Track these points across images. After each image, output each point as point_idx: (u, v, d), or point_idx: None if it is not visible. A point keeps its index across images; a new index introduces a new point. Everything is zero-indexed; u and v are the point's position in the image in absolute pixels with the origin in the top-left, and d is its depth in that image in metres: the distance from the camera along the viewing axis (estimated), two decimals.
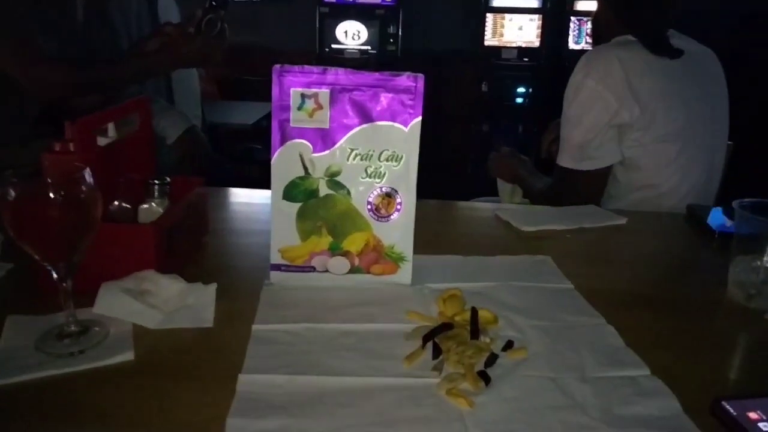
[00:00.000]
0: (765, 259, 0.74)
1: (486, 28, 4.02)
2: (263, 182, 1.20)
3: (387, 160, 0.71)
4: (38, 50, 1.25)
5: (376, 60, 3.97)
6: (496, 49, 4.02)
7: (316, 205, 0.72)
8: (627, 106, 1.16)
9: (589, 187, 1.23)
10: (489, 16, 4.00)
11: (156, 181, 0.79)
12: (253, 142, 3.34)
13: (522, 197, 1.48)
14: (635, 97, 1.16)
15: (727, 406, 0.53)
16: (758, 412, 0.52)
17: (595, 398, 0.56)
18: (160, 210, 0.78)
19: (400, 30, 4.00)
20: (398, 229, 0.74)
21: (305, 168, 0.71)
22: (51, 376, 0.55)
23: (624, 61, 1.17)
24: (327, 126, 0.70)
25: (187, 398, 0.54)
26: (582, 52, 1.33)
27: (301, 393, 0.54)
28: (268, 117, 3.30)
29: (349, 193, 0.72)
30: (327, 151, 0.71)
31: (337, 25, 4.02)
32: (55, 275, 0.57)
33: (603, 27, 1.30)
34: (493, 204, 1.37)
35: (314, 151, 0.71)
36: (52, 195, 0.54)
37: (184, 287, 0.67)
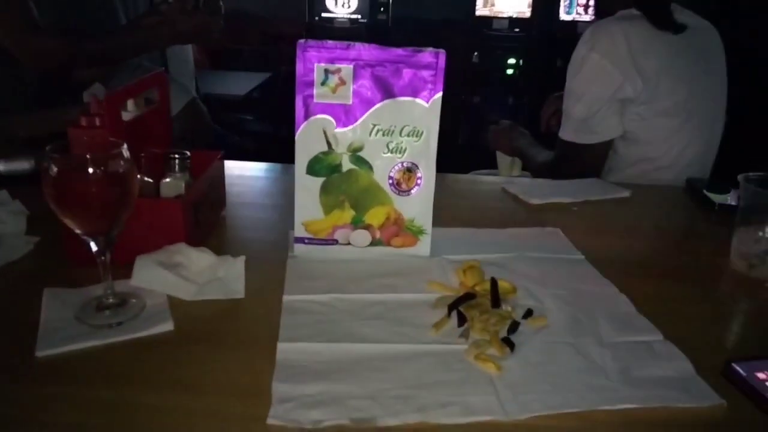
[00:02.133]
0: (767, 230, 0.78)
1: None
2: (258, 154, 1.21)
3: (408, 135, 0.73)
4: (33, 21, 1.23)
5: (366, 29, 3.92)
6: (488, 20, 3.99)
7: (339, 180, 0.74)
8: (630, 80, 1.18)
9: (590, 159, 1.26)
10: None
11: (177, 155, 0.80)
12: (245, 113, 3.31)
13: (521, 170, 1.50)
14: (639, 72, 1.17)
15: (738, 368, 0.57)
16: (766, 372, 0.56)
17: (614, 361, 0.59)
18: (182, 183, 0.79)
19: None
20: (418, 203, 0.76)
21: (328, 143, 0.73)
22: (94, 347, 0.57)
23: (628, 35, 1.18)
24: (350, 102, 0.72)
25: (227, 364, 0.56)
26: (572, 23, 1.34)
27: (337, 360, 0.57)
28: (259, 88, 3.27)
29: (371, 167, 0.74)
30: (350, 127, 0.72)
31: None
32: (94, 248, 0.58)
33: (607, 1, 1.31)
34: (499, 177, 1.39)
35: (337, 127, 0.72)
36: (91, 170, 0.55)
37: (214, 260, 0.69)
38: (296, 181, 0.74)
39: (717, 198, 1.00)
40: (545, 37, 3.69)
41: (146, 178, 0.78)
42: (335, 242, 0.76)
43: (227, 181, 0.92)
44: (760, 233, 0.78)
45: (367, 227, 0.76)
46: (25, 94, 1.37)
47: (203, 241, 0.74)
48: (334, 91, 0.71)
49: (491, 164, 1.57)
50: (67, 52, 1.28)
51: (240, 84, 3.11)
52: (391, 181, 0.75)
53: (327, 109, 0.72)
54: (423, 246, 0.78)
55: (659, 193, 1.14)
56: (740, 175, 0.80)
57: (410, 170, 0.74)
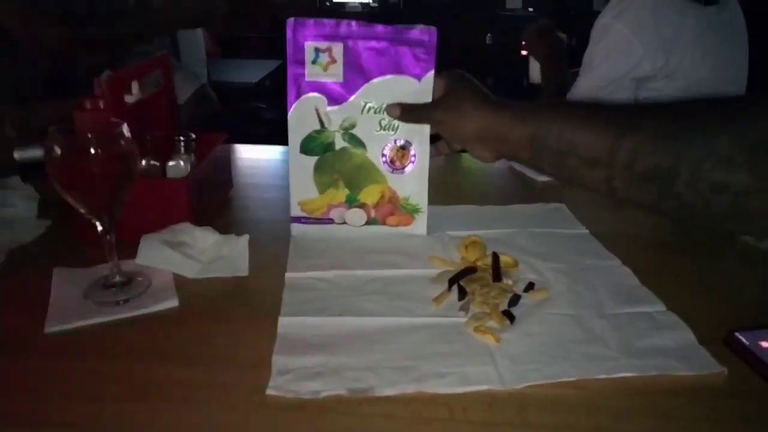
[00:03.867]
0: None
1: None
2: (270, 141, 1.22)
3: None
4: (34, 6, 1.24)
5: (379, 12, 3.90)
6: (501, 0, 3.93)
7: (333, 158, 0.74)
8: (651, 56, 1.15)
9: None
10: None
11: (182, 138, 0.81)
12: (257, 101, 3.32)
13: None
14: (663, 47, 1.15)
15: (740, 337, 0.56)
16: None
17: (614, 332, 0.59)
18: (188, 165, 0.81)
19: None
20: (413, 181, 0.76)
21: (321, 122, 0.73)
22: (104, 322, 0.59)
23: (657, 5, 1.15)
24: (341, 79, 0.71)
25: (231, 338, 0.57)
26: (587, 1, 1.31)
27: (337, 333, 0.58)
28: (271, 76, 3.28)
29: (364, 145, 0.74)
30: (342, 105, 0.72)
31: None
32: (99, 228, 0.60)
33: None
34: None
35: (329, 105, 0.72)
36: (93, 150, 0.56)
37: (218, 238, 0.70)
38: (290, 161, 0.75)
39: None
40: (559, 17, 3.65)
41: (152, 161, 0.80)
42: (331, 221, 0.77)
43: (239, 163, 0.93)
44: None
45: (362, 206, 0.76)
46: (37, 83, 1.39)
47: (210, 221, 0.76)
48: (325, 69, 0.71)
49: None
50: (69, 37, 1.29)
51: (251, 72, 3.12)
52: (384, 159, 0.75)
53: (318, 87, 0.72)
54: (419, 225, 0.78)
55: None
56: None
57: (404, 148, 0.74)
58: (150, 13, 1.40)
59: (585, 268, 0.71)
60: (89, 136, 0.56)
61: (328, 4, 3.96)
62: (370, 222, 0.77)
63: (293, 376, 0.52)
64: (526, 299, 0.64)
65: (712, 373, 0.53)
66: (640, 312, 0.62)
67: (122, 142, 0.57)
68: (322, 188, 0.76)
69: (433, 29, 0.70)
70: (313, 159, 0.74)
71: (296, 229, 0.78)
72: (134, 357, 0.55)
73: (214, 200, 0.83)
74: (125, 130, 0.57)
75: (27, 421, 0.47)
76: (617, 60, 1.17)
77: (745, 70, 1.28)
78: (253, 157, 1.13)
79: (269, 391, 0.50)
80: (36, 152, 0.97)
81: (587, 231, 0.81)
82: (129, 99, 0.76)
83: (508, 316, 0.60)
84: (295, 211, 0.77)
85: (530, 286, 0.66)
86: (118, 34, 1.36)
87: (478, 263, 0.69)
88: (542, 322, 0.60)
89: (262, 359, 0.54)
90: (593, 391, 0.51)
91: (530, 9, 3.92)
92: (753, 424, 0.49)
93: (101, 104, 0.69)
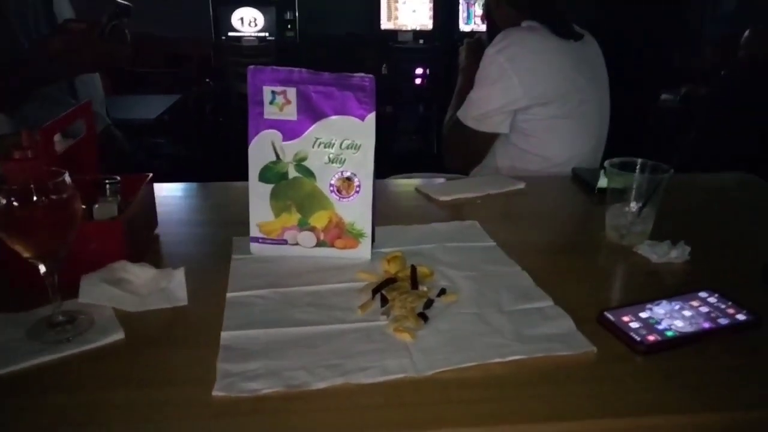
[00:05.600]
0: (631, 204, 0.93)
1: (381, 12, 4.14)
2: (174, 178, 1.25)
3: (347, 148, 0.82)
4: None
5: (275, 46, 3.97)
6: (393, 33, 4.16)
7: (286, 186, 0.83)
8: (528, 88, 1.33)
9: (475, 142, 1.44)
10: (383, 0, 4.11)
11: (107, 180, 0.85)
12: (157, 137, 3.27)
13: None
14: (538, 81, 1.33)
15: (608, 315, 0.70)
16: (629, 315, 0.70)
17: (510, 324, 0.70)
18: (114, 206, 0.84)
19: (297, 15, 4.02)
20: (357, 209, 0.85)
21: (276, 154, 0.82)
22: (49, 361, 0.62)
23: (535, 44, 1.34)
24: (295, 118, 0.81)
25: (180, 361, 0.63)
26: (472, 33, 1.50)
27: (275, 341, 0.66)
28: (170, 110, 3.24)
29: (314, 175, 0.83)
30: (295, 140, 0.82)
31: (231, 12, 3.97)
32: (42, 270, 0.63)
33: (502, 19, 1.45)
34: (412, 180, 1.51)
35: (284, 140, 0.82)
36: (36, 198, 0.60)
37: (155, 273, 0.75)
38: (250, 188, 0.83)
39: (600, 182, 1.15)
40: (448, 48, 3.92)
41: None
42: (285, 242, 0.85)
43: (159, 201, 0.97)
44: (626, 208, 0.94)
45: (312, 229, 0.85)
46: None
47: (141, 258, 0.80)
48: (281, 109, 0.81)
49: (405, 170, 1.67)
50: None
51: (150, 107, 3.07)
52: (332, 188, 0.84)
53: (275, 124, 0.81)
54: (364, 248, 0.86)
55: (549, 182, 1.30)
56: (606, 161, 0.96)
57: (349, 179, 0.83)
58: (48, 62, 1.39)
59: (490, 274, 0.83)
60: (32, 186, 0.59)
61: (223, 38, 3.99)
62: (319, 244, 0.86)
63: (236, 378, 0.59)
64: (439, 303, 0.75)
65: (586, 352, 0.66)
66: (532, 307, 0.74)
67: (66, 189, 0.61)
68: (277, 212, 0.84)
69: (371, 77, 0.81)
70: (269, 186, 0.83)
71: (255, 248, 0.86)
72: (89, 386, 0.59)
73: (144, 238, 0.87)
74: (67, 177, 0.61)
75: None
76: (498, 91, 1.35)
77: (607, 95, 1.51)
78: (171, 194, 1.17)
79: (215, 392, 0.57)
80: None
81: (494, 243, 0.93)
82: (56, 148, 0.79)
83: (423, 317, 0.71)
84: (254, 231, 0.85)
85: (442, 292, 0.77)
86: (22, 81, 1.34)
87: (399, 274, 0.79)
88: (451, 321, 0.71)
89: (210, 374, 0.60)
90: (491, 371, 0.62)
91: (421, 41, 4.17)
92: (622, 380, 0.62)
93: (29, 154, 0.72)
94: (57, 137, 0.84)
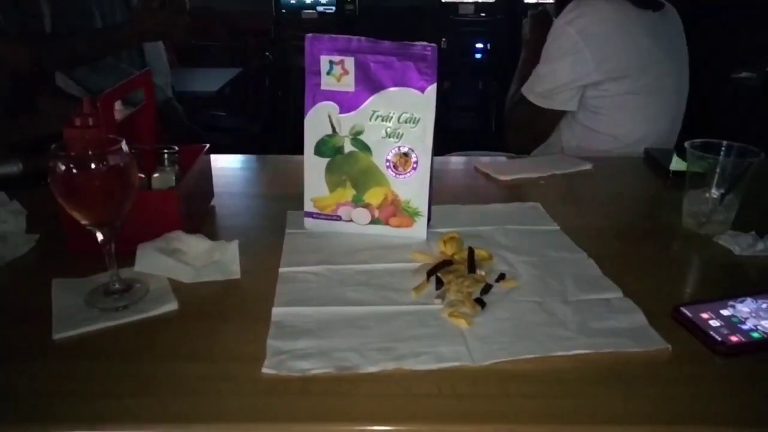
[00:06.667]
0: (712, 191, 0.86)
1: None
2: (234, 150, 1.25)
3: (405, 122, 0.79)
4: None
5: (335, 20, 3.94)
6: (454, 5, 4.03)
7: (342, 161, 0.81)
8: (599, 62, 1.24)
9: (542, 121, 1.36)
10: None
11: (166, 151, 0.85)
12: (218, 110, 3.32)
13: None
14: (612, 54, 1.24)
15: (685, 311, 0.65)
16: (709, 312, 0.64)
17: (574, 316, 0.65)
18: (172, 177, 0.84)
19: None
20: (414, 186, 0.81)
21: (333, 127, 0.79)
22: (106, 328, 0.62)
23: (609, 14, 1.24)
24: (352, 89, 0.78)
25: (230, 335, 0.62)
26: (537, 5, 1.41)
27: (326, 320, 0.64)
28: (231, 83, 3.28)
29: (370, 150, 0.80)
30: (352, 113, 0.79)
31: None
32: (100, 238, 0.63)
33: None
34: (470, 157, 1.46)
35: (340, 112, 0.79)
36: (94, 166, 0.59)
37: (209, 244, 0.74)
38: (305, 161, 0.82)
39: (676, 164, 1.07)
40: (511, 21, 3.77)
41: (139, 174, 0.83)
42: (339, 218, 0.83)
43: (215, 173, 0.97)
44: (707, 194, 0.86)
45: (367, 206, 0.82)
46: (2, 100, 1.39)
47: (196, 229, 0.80)
48: (338, 80, 0.78)
49: (462, 149, 1.62)
50: (34, 57, 1.30)
51: (211, 80, 3.11)
52: (388, 164, 0.81)
53: (332, 96, 0.78)
54: (419, 227, 0.83)
55: (619, 163, 1.22)
56: (686, 142, 0.88)
57: (407, 155, 0.80)
58: (111, 31, 1.42)
59: (553, 261, 0.78)
60: (90, 153, 0.59)
61: (284, 12, 3.99)
62: (374, 221, 0.83)
63: (286, 357, 0.57)
64: (498, 288, 0.71)
65: (659, 350, 0.60)
66: (600, 299, 0.69)
67: (123, 157, 0.61)
68: (332, 187, 0.82)
69: (434, 46, 0.76)
70: (325, 160, 0.81)
71: (309, 223, 0.84)
72: (142, 356, 0.59)
73: (200, 209, 0.87)
74: (124, 145, 0.61)
75: (49, 418, 0.51)
76: (568, 65, 1.27)
77: (686, 72, 1.40)
78: (228, 166, 1.17)
79: (264, 370, 0.55)
80: (11, 168, 0.99)
81: (558, 227, 0.88)
82: (116, 116, 0.79)
83: (480, 302, 0.67)
84: (309, 206, 0.84)
85: (501, 277, 0.73)
86: (79, 53, 1.37)
87: (455, 257, 0.76)
88: (510, 308, 0.67)
89: (260, 350, 0.59)
90: (551, 365, 0.58)
91: (482, 14, 4.03)
92: (698, 384, 0.56)
93: (90, 121, 0.72)
94: (118, 106, 0.84)
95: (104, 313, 0.64)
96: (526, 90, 1.34)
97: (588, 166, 1.14)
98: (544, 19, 1.45)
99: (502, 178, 1.09)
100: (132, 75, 0.88)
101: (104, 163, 0.59)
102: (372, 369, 0.56)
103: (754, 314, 0.64)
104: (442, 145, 1.71)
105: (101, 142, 0.63)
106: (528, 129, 1.41)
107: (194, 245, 0.73)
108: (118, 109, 0.84)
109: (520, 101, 1.36)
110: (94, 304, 0.65)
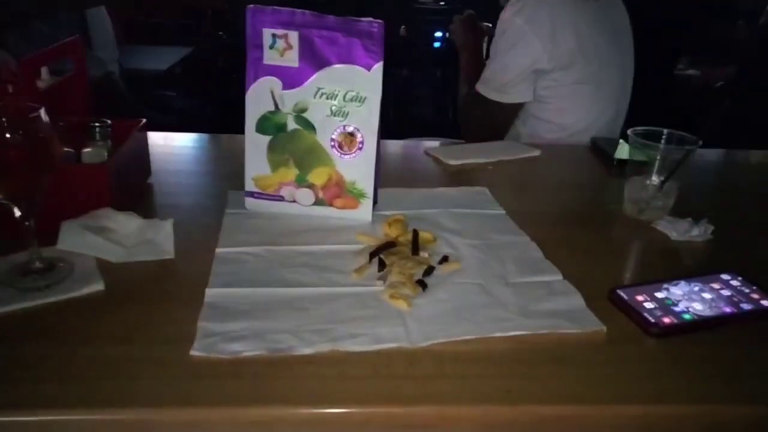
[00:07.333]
0: (653, 178, 0.87)
1: None
2: (183, 130, 1.21)
3: (351, 100, 0.76)
4: None
5: (289, 2, 3.86)
6: None
7: (285, 139, 0.78)
8: (548, 51, 1.25)
9: (498, 115, 1.36)
10: None
11: (97, 124, 0.80)
12: (167, 89, 3.20)
13: None
14: (558, 43, 1.25)
15: (621, 293, 0.65)
16: (644, 295, 0.65)
17: (515, 298, 0.65)
18: (104, 152, 0.80)
19: None
20: (359, 167, 0.79)
21: (275, 103, 0.76)
22: (28, 307, 0.58)
23: (553, 5, 1.25)
24: (296, 65, 0.75)
25: (161, 317, 0.59)
26: None
27: (262, 302, 0.62)
28: (181, 63, 3.16)
29: (314, 128, 0.77)
30: (296, 89, 0.76)
31: None
32: (17, 213, 0.59)
33: None
34: (420, 141, 1.45)
35: (283, 88, 0.76)
36: (9, 135, 0.55)
37: (141, 223, 0.71)
38: (246, 138, 0.78)
39: (620, 153, 1.09)
40: (471, 10, 3.77)
41: (66, 148, 0.78)
42: (281, 198, 0.81)
43: (154, 150, 0.93)
44: (647, 181, 0.88)
45: (311, 186, 0.80)
46: None
47: (131, 207, 0.76)
48: (281, 54, 0.75)
49: (418, 134, 1.61)
50: None
51: (160, 58, 3.00)
52: (333, 143, 0.78)
53: (275, 71, 0.75)
54: (364, 209, 0.81)
55: (566, 151, 1.24)
56: (629, 130, 0.89)
57: (352, 134, 0.78)
58: None
59: (497, 244, 0.77)
60: (4, 120, 0.55)
61: None
62: (318, 202, 0.81)
63: (216, 339, 0.55)
64: (440, 271, 0.70)
65: (595, 330, 0.61)
66: (540, 281, 0.69)
67: (41, 126, 0.56)
68: (275, 166, 0.79)
69: (380, 22, 0.74)
70: (267, 138, 0.78)
71: (249, 203, 0.81)
72: (64, 338, 0.55)
73: (134, 187, 0.83)
74: (43, 114, 0.57)
75: None
76: (518, 53, 1.27)
77: (631, 60, 1.42)
78: (169, 144, 1.12)
79: (193, 352, 0.53)
80: None
81: (504, 212, 0.87)
82: (40, 84, 0.74)
83: (421, 284, 0.66)
84: (249, 185, 0.80)
85: (444, 259, 0.72)
86: (19, 11, 1.29)
87: (400, 239, 0.75)
88: (451, 290, 0.66)
89: (192, 332, 0.56)
90: (490, 345, 0.58)
91: (442, 2, 4.03)
92: (632, 364, 0.57)
93: (9, 88, 0.67)
94: (44, 74, 0.79)
95: (21, 292, 0.60)
96: (482, 88, 1.34)
97: (536, 153, 1.15)
98: (471, 21, 1.49)
99: (452, 162, 1.08)
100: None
101: (20, 132, 0.55)
102: (307, 351, 0.55)
103: (686, 297, 0.65)
104: (401, 132, 1.70)
105: (19, 109, 0.58)
106: (488, 125, 1.39)
107: (124, 223, 0.70)
108: (44, 78, 0.78)
109: (476, 100, 1.36)
110: (11, 283, 0.61)
